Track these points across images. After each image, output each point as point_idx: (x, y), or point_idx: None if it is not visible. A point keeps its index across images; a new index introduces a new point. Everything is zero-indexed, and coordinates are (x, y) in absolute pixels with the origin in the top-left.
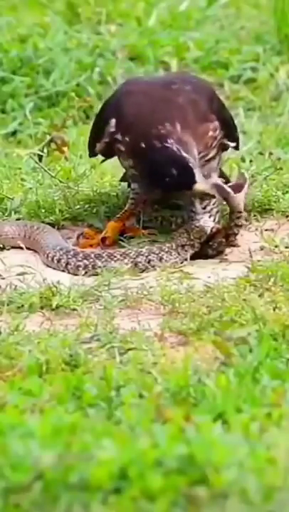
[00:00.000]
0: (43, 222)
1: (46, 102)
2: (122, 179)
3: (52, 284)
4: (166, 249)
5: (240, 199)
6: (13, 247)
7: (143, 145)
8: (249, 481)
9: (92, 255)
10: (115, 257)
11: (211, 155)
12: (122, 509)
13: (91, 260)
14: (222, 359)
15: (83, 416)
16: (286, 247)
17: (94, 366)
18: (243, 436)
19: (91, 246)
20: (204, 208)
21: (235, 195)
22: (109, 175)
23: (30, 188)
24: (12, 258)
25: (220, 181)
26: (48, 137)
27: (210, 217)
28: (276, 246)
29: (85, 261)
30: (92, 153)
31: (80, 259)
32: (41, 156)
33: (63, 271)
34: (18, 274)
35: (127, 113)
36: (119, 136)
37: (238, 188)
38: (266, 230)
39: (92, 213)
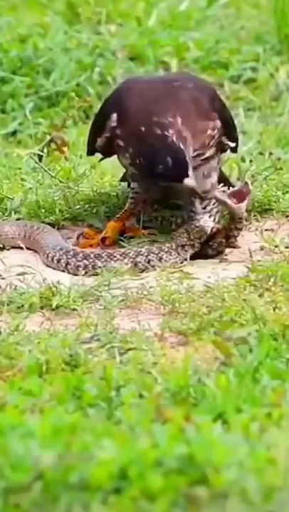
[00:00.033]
0: (43, 222)
1: (46, 102)
2: (122, 179)
3: (52, 284)
4: (166, 249)
5: (242, 209)
6: (13, 247)
7: (143, 129)
8: (249, 481)
9: (92, 255)
10: (115, 257)
11: (207, 154)
12: (122, 509)
13: (91, 260)
14: (222, 359)
15: (83, 416)
16: (286, 247)
17: (94, 366)
18: (243, 436)
19: (91, 246)
20: (204, 208)
21: (238, 205)
22: (109, 175)
23: (30, 188)
24: (12, 258)
25: (222, 193)
26: (48, 137)
27: (210, 217)
28: (276, 246)
29: (84, 261)
30: (91, 151)
31: (79, 259)
32: (41, 156)
33: (63, 271)
34: (18, 274)
35: (129, 107)
36: (119, 131)
37: (239, 194)
38: (266, 230)
39: (92, 213)
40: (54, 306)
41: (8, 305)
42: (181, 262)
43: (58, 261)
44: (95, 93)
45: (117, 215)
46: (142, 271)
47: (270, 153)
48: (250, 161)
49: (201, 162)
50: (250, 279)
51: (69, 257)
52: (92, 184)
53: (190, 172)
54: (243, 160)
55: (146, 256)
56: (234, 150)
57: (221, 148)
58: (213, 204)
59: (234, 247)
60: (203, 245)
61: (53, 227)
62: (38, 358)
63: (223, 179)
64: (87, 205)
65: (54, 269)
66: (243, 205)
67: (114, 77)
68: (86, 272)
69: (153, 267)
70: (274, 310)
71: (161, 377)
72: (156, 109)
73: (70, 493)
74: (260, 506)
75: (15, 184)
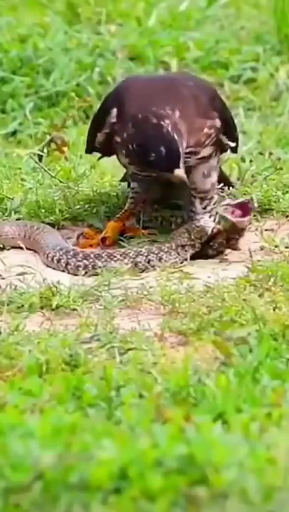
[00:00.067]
0: (43, 222)
1: (46, 102)
2: (122, 179)
3: (52, 284)
4: (166, 250)
5: (245, 225)
6: (13, 247)
7: (139, 116)
8: (249, 481)
9: (92, 255)
10: (115, 257)
11: (203, 153)
12: (122, 509)
13: (91, 260)
14: (222, 359)
15: (83, 416)
16: (286, 247)
17: (94, 366)
18: (243, 436)
19: (91, 246)
20: (204, 208)
21: (241, 220)
22: (109, 175)
23: (30, 188)
24: (12, 258)
25: (224, 208)
26: (48, 137)
27: (210, 217)
28: (276, 246)
29: (84, 261)
30: (90, 148)
31: (79, 259)
32: (41, 156)
33: (63, 271)
34: (18, 274)
35: (129, 103)
36: (118, 127)
37: (244, 206)
38: (266, 230)
39: (92, 213)
40: (54, 306)
41: (8, 305)
42: (181, 262)
43: (58, 261)
44: (95, 93)
45: (117, 215)
46: (142, 271)
47: (270, 153)
48: (250, 161)
49: (199, 161)
50: (250, 279)
51: (69, 257)
52: (92, 184)
53: (181, 164)
54: (243, 160)
55: (147, 256)
56: (234, 150)
57: (221, 148)
58: (214, 204)
59: (235, 249)
60: (204, 245)
61: (53, 227)
62: (38, 358)
63: (223, 179)
64: (87, 205)
65: (54, 269)
66: (246, 221)
67: (114, 77)
68: (86, 272)
69: (153, 267)
70: (274, 310)
71: (161, 377)
72: (156, 101)
73: (70, 493)
74: (260, 506)
75: (15, 184)
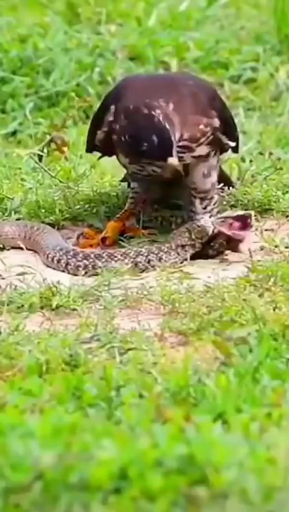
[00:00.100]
0: (43, 222)
1: (46, 102)
2: (122, 179)
3: (52, 284)
4: (166, 250)
5: (241, 238)
6: (13, 247)
7: (131, 107)
8: (249, 481)
9: (92, 255)
10: (115, 257)
11: (199, 152)
12: (122, 509)
13: (91, 260)
14: (222, 359)
15: (83, 416)
16: (286, 247)
17: (94, 366)
18: (243, 436)
19: (91, 246)
20: (204, 208)
21: (237, 233)
22: (109, 175)
23: (30, 188)
24: (12, 258)
25: (221, 223)
26: (48, 137)
27: (210, 217)
28: (276, 246)
29: (85, 261)
30: (90, 147)
31: (80, 259)
32: (41, 156)
33: (63, 271)
34: (18, 274)
35: (127, 100)
36: (115, 125)
37: (243, 219)
38: (266, 230)
39: (92, 213)
40: (54, 306)
41: (8, 305)
42: (181, 262)
43: (58, 261)
44: (95, 93)
45: (117, 215)
46: (142, 271)
47: (270, 153)
48: (250, 161)
49: (196, 160)
50: (250, 279)
51: (69, 257)
52: (92, 184)
53: (174, 152)
54: (243, 160)
55: (147, 256)
56: (235, 150)
57: (221, 148)
58: (214, 204)
59: (235, 251)
60: (204, 245)
61: (53, 227)
62: (38, 358)
63: (223, 179)
64: (87, 205)
65: (54, 269)
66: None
67: (114, 77)
68: (86, 272)
69: (153, 267)
70: (274, 310)
71: (161, 377)
72: (150, 95)
73: (70, 493)
74: (260, 506)
75: (15, 184)
